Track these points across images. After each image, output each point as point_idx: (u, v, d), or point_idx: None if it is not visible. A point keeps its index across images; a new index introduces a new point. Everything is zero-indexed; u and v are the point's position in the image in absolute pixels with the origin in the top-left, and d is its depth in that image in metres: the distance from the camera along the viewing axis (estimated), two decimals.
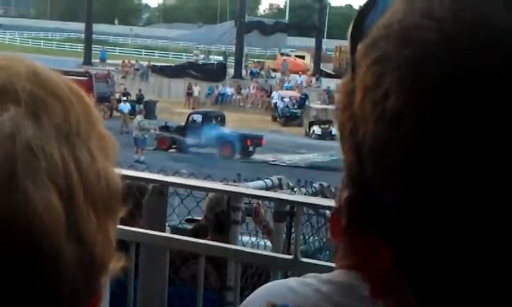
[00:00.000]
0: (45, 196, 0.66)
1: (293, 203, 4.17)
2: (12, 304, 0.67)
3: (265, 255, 4.01)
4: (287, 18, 78.85)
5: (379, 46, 0.63)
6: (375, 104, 0.61)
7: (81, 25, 63.45)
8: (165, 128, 36.56)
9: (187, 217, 6.44)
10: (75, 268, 0.69)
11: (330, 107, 46.70)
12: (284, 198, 4.21)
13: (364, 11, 0.69)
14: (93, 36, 61.82)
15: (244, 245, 5.23)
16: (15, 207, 0.65)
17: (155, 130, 35.84)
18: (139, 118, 34.35)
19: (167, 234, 4.14)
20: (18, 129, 0.67)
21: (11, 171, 0.65)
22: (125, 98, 41.36)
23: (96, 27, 65.68)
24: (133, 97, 43.92)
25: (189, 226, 5.99)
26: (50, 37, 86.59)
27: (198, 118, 37.13)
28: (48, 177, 0.67)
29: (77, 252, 0.69)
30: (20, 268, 0.66)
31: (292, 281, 1.18)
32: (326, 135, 40.86)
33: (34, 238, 0.66)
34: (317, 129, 41.45)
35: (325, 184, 6.95)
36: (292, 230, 5.01)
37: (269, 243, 5.44)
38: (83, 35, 61.96)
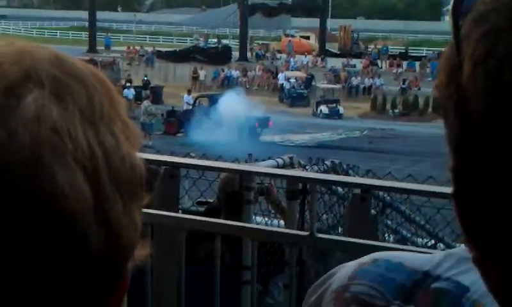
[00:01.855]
0: (72, 177, 0.66)
1: (307, 180, 4.15)
2: (40, 286, 0.66)
3: (281, 232, 4.02)
4: None
5: (489, 19, 0.64)
6: (487, 76, 0.62)
7: (85, 13, 63.35)
8: (172, 112, 36.55)
9: (198, 200, 6.43)
10: (103, 251, 0.68)
11: (336, 86, 46.66)
12: (298, 175, 4.20)
13: None
14: (97, 23, 61.74)
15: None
16: (42, 189, 0.65)
17: (162, 115, 35.83)
18: (146, 103, 34.36)
19: (183, 215, 4.14)
20: (43, 111, 0.66)
21: (36, 153, 0.65)
22: (129, 84, 41.35)
23: (100, 14, 65.53)
24: (139, 83, 43.90)
25: (201, 209, 5.99)
26: (54, 26, 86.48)
27: (205, 101, 37.15)
28: (74, 159, 0.66)
29: (104, 234, 0.68)
30: (47, 250, 0.65)
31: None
32: (333, 115, 40.85)
33: (62, 220, 0.65)
34: (324, 108, 41.42)
35: (336, 161, 6.96)
36: (306, 208, 5.01)
37: (281, 222, 5.44)
38: (87, 23, 61.88)
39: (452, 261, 0.91)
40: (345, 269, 0.95)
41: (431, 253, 0.96)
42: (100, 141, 0.69)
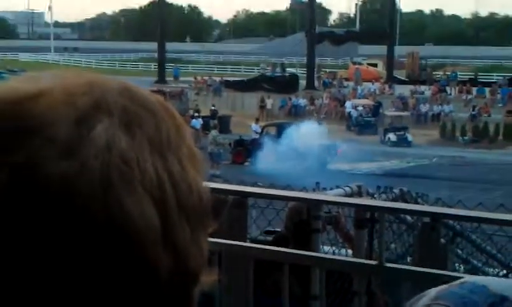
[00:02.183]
0: (141, 205, 0.68)
1: (375, 209, 4.13)
2: None
3: (349, 261, 3.99)
4: (357, 26, 78.49)
5: None
6: None
7: (154, 45, 64.33)
8: (240, 142, 36.72)
9: (266, 229, 6.43)
10: (170, 277, 0.70)
11: (404, 113, 46.26)
12: (366, 204, 4.18)
13: None
14: (166, 54, 62.61)
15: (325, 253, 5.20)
16: (112, 217, 0.67)
17: (230, 144, 36.03)
18: (214, 132, 34.63)
19: (251, 244, 4.15)
20: (113, 140, 0.68)
21: (107, 181, 0.67)
22: (196, 114, 41.74)
23: (169, 45, 66.44)
24: (207, 113, 44.27)
25: (269, 238, 5.98)
26: (124, 58, 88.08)
27: (273, 130, 37.22)
28: (143, 187, 0.68)
29: (173, 261, 0.70)
30: (117, 274, 0.67)
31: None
32: (402, 142, 40.46)
33: (132, 246, 0.67)
34: (392, 136, 41.05)
35: (405, 189, 6.88)
36: (374, 236, 4.98)
37: (350, 251, 5.41)
38: (156, 54, 62.82)
39: None
40: (435, 290, 0.97)
41: None
42: (168, 169, 0.71)
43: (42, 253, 0.66)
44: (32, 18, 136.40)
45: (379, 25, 77.42)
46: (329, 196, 5.37)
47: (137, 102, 0.73)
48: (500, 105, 47.23)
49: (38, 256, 0.66)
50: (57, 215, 0.66)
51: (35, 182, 0.66)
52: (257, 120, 40.58)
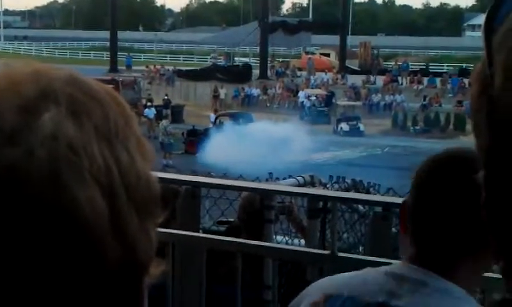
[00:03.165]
0: (89, 193, 0.68)
1: (328, 198, 4.15)
2: (58, 295, 0.68)
3: (302, 251, 4.01)
4: (310, 16, 78.61)
5: None
6: None
7: (106, 33, 63.72)
8: (193, 132, 36.62)
9: (219, 219, 6.43)
10: (120, 267, 0.70)
11: (357, 103, 46.58)
12: (319, 194, 4.19)
13: (497, 4, 0.71)
14: (118, 43, 62.07)
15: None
16: (61, 205, 0.67)
17: (182, 134, 35.91)
18: (164, 123, 34.46)
19: (203, 234, 4.14)
20: (60, 129, 0.68)
21: (55, 170, 0.67)
22: (149, 104, 41.51)
23: (121, 34, 65.85)
24: (160, 102, 44.06)
25: (222, 228, 5.98)
26: (75, 46, 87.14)
27: (225, 120, 37.18)
28: (91, 175, 0.68)
29: (121, 249, 0.70)
30: (65, 263, 0.67)
31: (349, 274, 1.18)
32: (354, 132, 40.75)
33: (80, 233, 0.67)
34: (344, 126, 41.32)
35: (357, 179, 6.95)
36: (327, 226, 5.00)
37: (302, 241, 5.43)
38: (108, 43, 62.24)
39: (406, 287, 0.92)
40: (307, 301, 0.96)
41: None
42: (116, 157, 0.71)
43: None
44: None
45: (332, 15, 77.72)
46: (282, 186, 5.39)
47: (84, 91, 0.73)
48: (450, 95, 47.77)
49: None
50: (5, 200, 0.66)
51: None
52: (215, 111, 40.55)
